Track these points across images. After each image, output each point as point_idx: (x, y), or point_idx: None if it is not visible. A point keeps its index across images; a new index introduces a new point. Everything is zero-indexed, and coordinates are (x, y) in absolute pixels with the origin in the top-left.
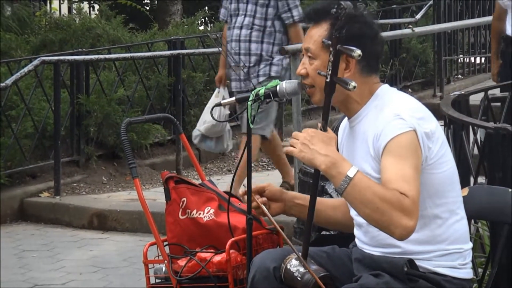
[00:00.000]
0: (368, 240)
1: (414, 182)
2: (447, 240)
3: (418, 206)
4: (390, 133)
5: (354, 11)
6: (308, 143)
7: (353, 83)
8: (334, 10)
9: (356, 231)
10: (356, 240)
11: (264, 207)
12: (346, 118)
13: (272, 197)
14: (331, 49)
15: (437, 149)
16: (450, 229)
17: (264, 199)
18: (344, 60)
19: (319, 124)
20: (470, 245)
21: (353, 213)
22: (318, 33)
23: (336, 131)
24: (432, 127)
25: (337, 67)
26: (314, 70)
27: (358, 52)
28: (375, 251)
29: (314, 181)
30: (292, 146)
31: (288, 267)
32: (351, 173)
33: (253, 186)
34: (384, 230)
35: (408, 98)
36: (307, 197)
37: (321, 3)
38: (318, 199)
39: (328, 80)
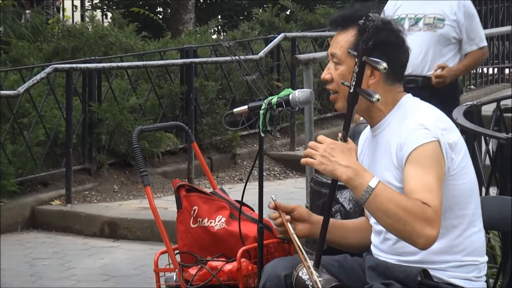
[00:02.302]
0: (385, 248)
1: (437, 192)
2: (463, 252)
3: (440, 216)
4: (414, 143)
5: (382, 22)
6: (328, 155)
7: (377, 96)
8: (362, 21)
9: (373, 238)
10: (372, 247)
11: (289, 225)
12: (368, 127)
13: (300, 218)
14: (356, 60)
15: (459, 160)
16: (467, 241)
17: (288, 217)
18: (369, 66)
19: (340, 134)
20: (486, 258)
21: (372, 220)
22: (345, 39)
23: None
24: (455, 138)
25: (361, 79)
26: (339, 75)
27: (384, 65)
28: (391, 259)
29: (331, 191)
30: (309, 156)
31: (300, 274)
32: (372, 183)
33: (282, 205)
34: (406, 240)
35: (431, 109)
36: (330, 221)
37: (349, 10)
38: (341, 221)
39: (351, 91)
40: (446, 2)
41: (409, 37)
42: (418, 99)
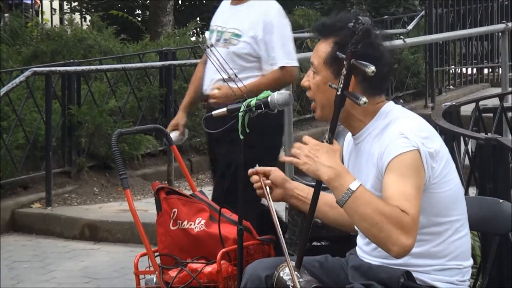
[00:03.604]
0: (369, 250)
1: (415, 201)
2: (447, 256)
3: (417, 225)
4: (393, 152)
5: (372, 28)
6: (313, 155)
7: (364, 99)
8: (352, 24)
9: (359, 240)
10: (357, 249)
11: (266, 189)
12: (350, 134)
13: (275, 182)
14: (345, 62)
15: (440, 169)
16: (452, 246)
17: (269, 181)
18: (357, 69)
19: (326, 135)
20: (471, 262)
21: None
22: (323, 49)
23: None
24: (436, 147)
25: (349, 81)
26: (314, 84)
27: (372, 68)
28: (375, 261)
29: (314, 194)
30: (293, 155)
31: (281, 274)
32: (353, 186)
33: (261, 169)
34: (381, 246)
35: (413, 117)
36: (307, 189)
37: (331, 19)
38: (324, 197)
39: (339, 93)
40: (249, 15)
41: (214, 53)
42: (400, 106)
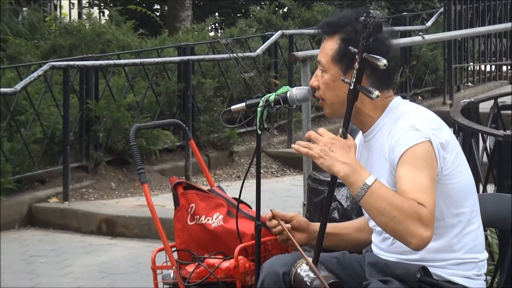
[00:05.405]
0: (385, 246)
1: (430, 193)
2: (462, 249)
3: (434, 216)
4: (405, 144)
5: (383, 22)
6: (328, 149)
7: (377, 92)
8: (363, 18)
9: (374, 237)
10: (373, 246)
11: (289, 234)
12: (360, 133)
13: (299, 227)
14: (356, 56)
15: (452, 160)
16: (466, 238)
17: (289, 225)
18: (369, 63)
19: (340, 130)
20: (486, 255)
21: (372, 223)
22: (330, 46)
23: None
24: (447, 138)
25: (361, 76)
26: (323, 83)
27: (384, 61)
28: (391, 257)
29: (330, 187)
30: (308, 147)
31: (299, 271)
32: (369, 181)
33: (280, 214)
34: (400, 239)
35: (422, 109)
36: (331, 225)
37: (335, 16)
38: (342, 223)
39: (351, 87)
40: None
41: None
42: (408, 101)
